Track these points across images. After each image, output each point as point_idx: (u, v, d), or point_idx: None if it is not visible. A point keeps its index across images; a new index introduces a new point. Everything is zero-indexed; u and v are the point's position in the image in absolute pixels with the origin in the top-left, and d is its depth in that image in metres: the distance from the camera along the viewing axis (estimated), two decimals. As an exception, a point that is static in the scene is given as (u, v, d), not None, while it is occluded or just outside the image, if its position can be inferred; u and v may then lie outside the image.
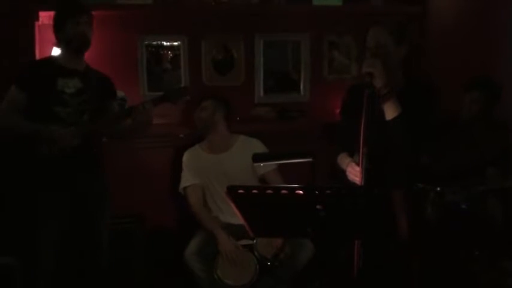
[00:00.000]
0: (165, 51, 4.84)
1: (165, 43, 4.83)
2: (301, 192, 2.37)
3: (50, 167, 3.46)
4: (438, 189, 4.08)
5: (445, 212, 4.13)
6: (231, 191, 2.41)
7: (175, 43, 4.82)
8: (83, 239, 3.66)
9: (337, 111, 3.93)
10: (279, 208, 2.46)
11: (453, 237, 4.10)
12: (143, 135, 4.21)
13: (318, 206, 2.40)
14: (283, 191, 2.39)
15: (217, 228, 4.13)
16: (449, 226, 4.11)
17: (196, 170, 4.34)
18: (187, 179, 4.35)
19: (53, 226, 3.52)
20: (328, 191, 2.38)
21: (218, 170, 4.27)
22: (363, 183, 2.85)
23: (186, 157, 4.42)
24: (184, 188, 4.34)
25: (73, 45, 3.57)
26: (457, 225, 4.12)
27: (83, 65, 3.67)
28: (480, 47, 4.80)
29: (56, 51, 4.16)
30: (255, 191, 2.40)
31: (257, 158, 3.02)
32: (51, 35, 3.63)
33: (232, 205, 2.48)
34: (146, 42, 4.76)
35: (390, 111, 3.06)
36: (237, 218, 2.63)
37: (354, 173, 3.08)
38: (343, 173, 3.25)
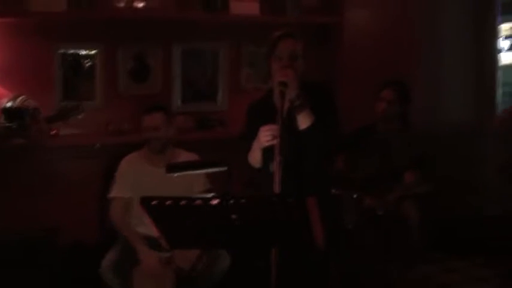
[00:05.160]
0: (82, 60, 4.74)
1: (82, 52, 4.72)
2: (216, 202, 2.35)
3: None
4: (355, 195, 4.15)
5: (362, 218, 4.19)
6: (145, 202, 2.37)
7: (92, 52, 4.73)
8: None
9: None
10: (194, 219, 2.43)
11: (370, 243, 4.17)
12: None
13: (233, 216, 2.38)
14: (198, 202, 2.37)
15: (139, 241, 4.02)
16: (366, 232, 4.18)
17: (132, 182, 4.16)
18: (117, 189, 4.20)
19: None
20: (243, 200, 2.37)
21: (157, 185, 3.98)
22: (278, 192, 2.85)
23: (123, 165, 4.24)
24: (112, 198, 4.21)
25: None
26: (374, 231, 4.19)
27: None
28: (395, 56, 4.94)
29: None
30: (169, 202, 2.37)
31: (171, 168, 2.98)
32: None
33: (147, 217, 2.44)
34: (62, 51, 4.63)
35: (303, 121, 3.09)
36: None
37: (268, 129, 3.03)
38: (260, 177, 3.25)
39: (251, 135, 3.21)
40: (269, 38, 3.25)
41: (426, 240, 4.35)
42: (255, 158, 3.23)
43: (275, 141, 2.93)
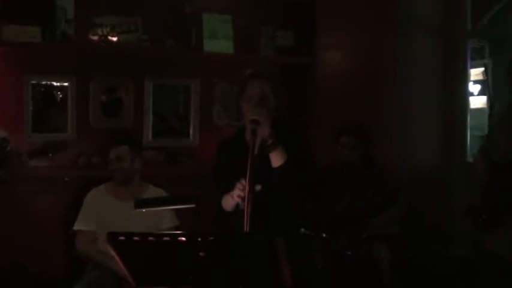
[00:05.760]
0: (55, 92, 4.71)
1: (55, 83, 4.69)
2: (184, 238, 2.33)
3: None
4: (324, 235, 4.14)
5: (331, 258, 4.19)
6: (112, 238, 2.34)
7: (66, 83, 4.70)
8: None
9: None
10: (161, 256, 2.40)
11: (339, 284, 4.16)
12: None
13: (201, 253, 2.36)
14: (166, 238, 2.35)
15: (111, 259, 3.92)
16: (334, 272, 4.17)
17: (96, 214, 4.12)
18: (82, 222, 4.14)
19: None
20: (211, 238, 2.35)
21: (122, 219, 3.94)
22: (247, 230, 2.84)
23: (89, 197, 4.21)
24: (77, 230, 4.15)
25: None
26: (343, 271, 4.18)
27: None
28: (366, 98, 5.00)
29: None
30: (136, 238, 2.34)
31: (139, 203, 2.96)
32: None
33: (114, 253, 2.40)
34: (34, 82, 4.60)
35: (276, 159, 3.10)
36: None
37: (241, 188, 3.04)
38: (230, 215, 3.24)
39: (221, 173, 3.21)
40: (239, 77, 3.28)
41: (395, 281, 4.35)
42: (228, 204, 3.23)
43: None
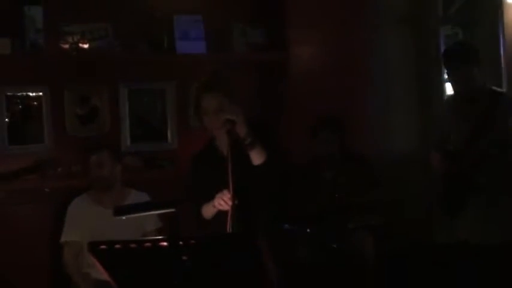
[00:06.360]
0: (31, 103, 4.67)
1: (30, 94, 4.66)
2: (165, 243, 2.32)
3: None
4: (308, 230, 4.15)
5: (316, 252, 4.20)
6: (93, 247, 2.33)
7: (41, 93, 4.66)
8: None
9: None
10: (144, 262, 2.40)
11: (325, 277, 4.17)
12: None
13: (183, 257, 2.36)
14: (147, 244, 2.34)
15: (85, 285, 3.96)
16: (321, 266, 4.18)
17: (80, 223, 4.13)
18: (67, 233, 4.16)
19: None
20: (192, 241, 2.35)
21: (105, 226, 3.86)
22: (229, 231, 2.85)
23: (72, 207, 4.22)
24: (63, 243, 4.16)
25: None
26: (328, 265, 4.19)
27: None
28: (337, 89, 5.00)
29: None
30: (118, 246, 2.33)
31: (118, 211, 2.95)
32: None
33: (96, 262, 2.39)
34: (10, 94, 4.57)
35: (257, 157, 3.11)
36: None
37: (225, 199, 3.06)
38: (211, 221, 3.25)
39: (199, 185, 3.24)
40: (193, 90, 3.29)
41: (380, 270, 4.36)
42: (208, 214, 3.24)
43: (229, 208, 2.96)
